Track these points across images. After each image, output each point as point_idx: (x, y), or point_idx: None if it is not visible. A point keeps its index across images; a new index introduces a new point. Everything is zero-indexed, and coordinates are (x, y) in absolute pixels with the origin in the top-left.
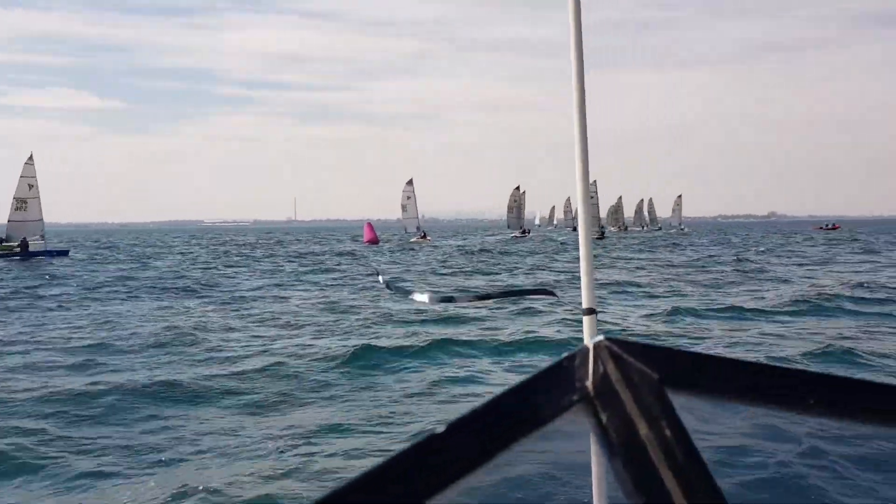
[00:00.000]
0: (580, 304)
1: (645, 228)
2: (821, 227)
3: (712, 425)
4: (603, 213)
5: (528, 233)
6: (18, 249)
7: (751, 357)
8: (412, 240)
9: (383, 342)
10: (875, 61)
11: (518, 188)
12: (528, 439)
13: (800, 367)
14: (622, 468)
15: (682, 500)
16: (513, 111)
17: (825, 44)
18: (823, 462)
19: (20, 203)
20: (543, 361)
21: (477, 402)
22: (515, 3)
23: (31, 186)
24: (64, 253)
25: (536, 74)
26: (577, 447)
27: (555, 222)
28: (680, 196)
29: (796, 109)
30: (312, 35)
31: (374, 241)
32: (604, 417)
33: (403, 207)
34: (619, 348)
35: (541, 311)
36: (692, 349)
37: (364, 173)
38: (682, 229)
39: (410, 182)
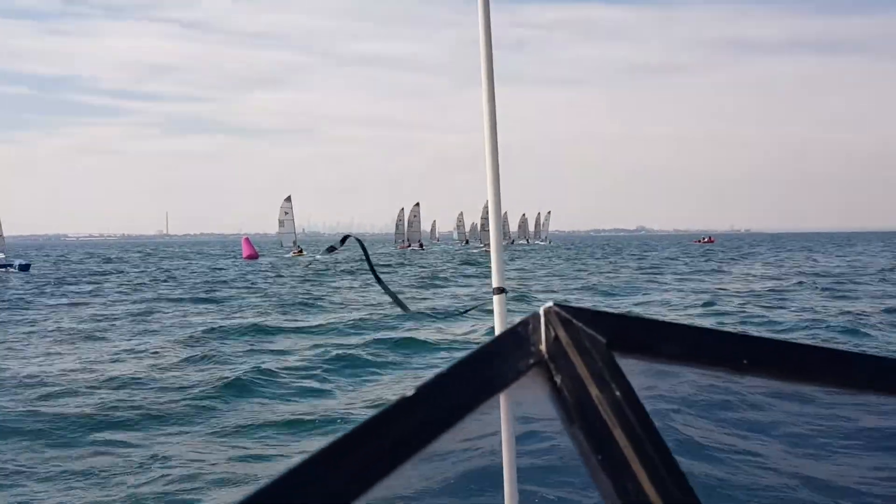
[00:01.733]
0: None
1: (529, 241)
2: (698, 241)
3: (660, 385)
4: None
5: (423, 246)
6: None
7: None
8: (289, 254)
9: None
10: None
11: (417, 204)
12: (491, 401)
13: (738, 331)
14: (577, 427)
15: (633, 455)
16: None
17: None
18: (759, 418)
19: None
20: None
21: (442, 367)
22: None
23: None
24: (24, 266)
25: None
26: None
27: (437, 237)
28: (549, 212)
29: (664, 128)
30: (184, 45)
31: (254, 256)
32: (558, 380)
33: (281, 223)
34: (568, 314)
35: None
36: (643, 315)
37: (239, 186)
38: (548, 243)
39: (289, 199)
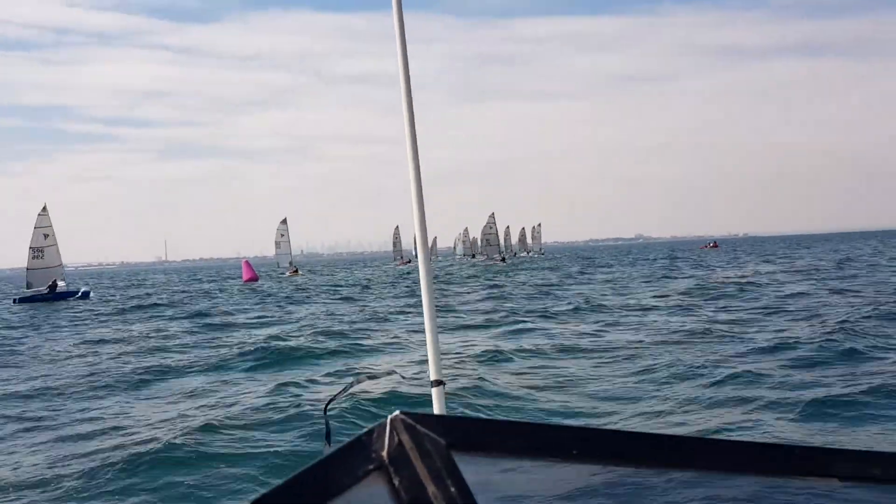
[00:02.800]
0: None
1: (531, 253)
2: (704, 246)
3: (498, 478)
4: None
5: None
6: (47, 291)
7: (530, 418)
8: (286, 274)
9: None
10: (723, 89)
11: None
12: None
13: (568, 423)
14: None
15: None
16: (385, 142)
17: (678, 74)
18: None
19: (37, 252)
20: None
21: (281, 479)
22: (382, 37)
23: (46, 236)
24: (85, 294)
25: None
26: None
27: (436, 253)
28: (539, 224)
29: (657, 136)
30: (176, 70)
31: (254, 278)
32: (396, 481)
33: (277, 244)
34: (413, 420)
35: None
36: (479, 416)
37: (236, 210)
38: (542, 254)
39: (284, 221)
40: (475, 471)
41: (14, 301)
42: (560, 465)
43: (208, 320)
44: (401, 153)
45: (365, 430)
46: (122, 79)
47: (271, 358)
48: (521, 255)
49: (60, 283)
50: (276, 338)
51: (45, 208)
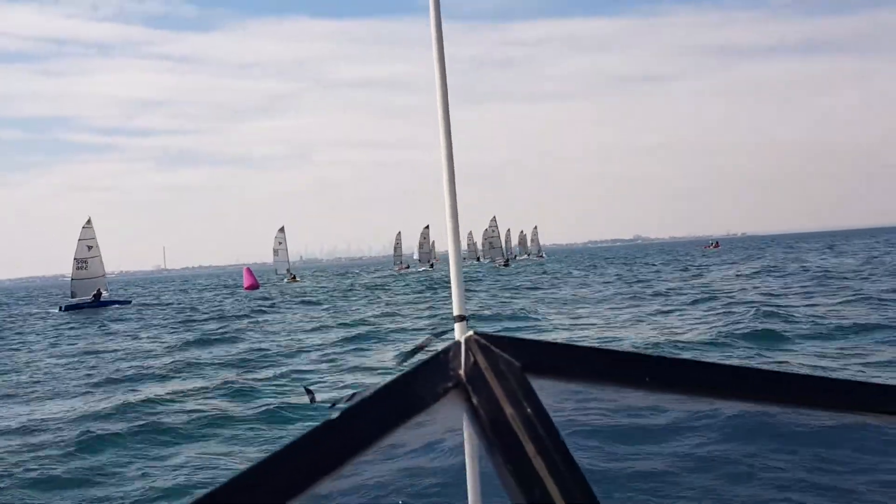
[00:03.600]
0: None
1: (530, 256)
2: (707, 246)
3: (568, 404)
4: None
5: (433, 265)
6: (91, 300)
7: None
8: (284, 281)
9: None
10: (722, 89)
11: (427, 227)
12: (412, 421)
13: (637, 351)
14: (491, 443)
15: (543, 467)
16: (383, 147)
17: (676, 74)
18: (663, 433)
19: (81, 263)
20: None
21: (365, 391)
22: (379, 41)
23: (90, 247)
24: (126, 302)
25: (404, 110)
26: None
27: (436, 257)
28: (535, 227)
29: (655, 136)
30: (174, 79)
31: (255, 286)
32: (475, 400)
33: (275, 252)
34: (487, 341)
35: None
36: (555, 340)
37: (235, 217)
38: (541, 256)
39: (282, 230)
40: (549, 393)
41: (60, 308)
42: (631, 392)
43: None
44: (399, 157)
45: (441, 348)
46: (121, 89)
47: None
48: (522, 257)
49: (104, 293)
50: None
51: (89, 221)
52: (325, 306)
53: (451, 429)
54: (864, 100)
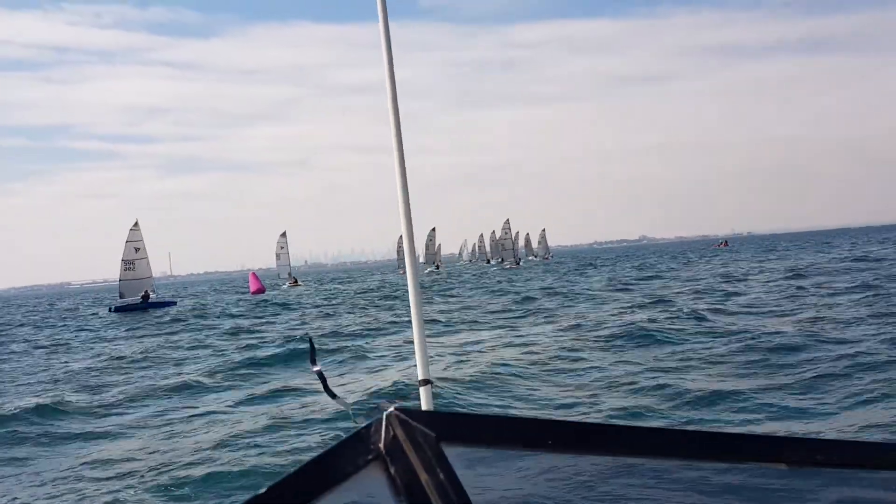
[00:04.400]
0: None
1: (537, 257)
2: (716, 245)
3: (479, 469)
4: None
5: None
6: (140, 301)
7: (515, 411)
8: (286, 286)
9: None
10: (722, 88)
11: (434, 229)
12: (336, 492)
13: (540, 417)
14: None
15: None
16: (384, 151)
17: (676, 74)
18: (563, 490)
19: (129, 264)
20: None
21: (293, 468)
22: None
23: (137, 249)
24: (172, 303)
25: (405, 114)
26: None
27: (465, 256)
28: (544, 229)
29: (657, 137)
30: (177, 86)
31: (261, 290)
32: (392, 469)
33: (278, 256)
34: (406, 415)
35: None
36: (465, 411)
37: (239, 222)
38: (549, 258)
39: (284, 234)
40: (462, 460)
41: (109, 310)
42: (536, 455)
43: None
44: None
45: (364, 424)
46: (124, 96)
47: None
48: (529, 258)
49: (151, 295)
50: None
51: (136, 224)
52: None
53: (372, 496)
54: (865, 97)
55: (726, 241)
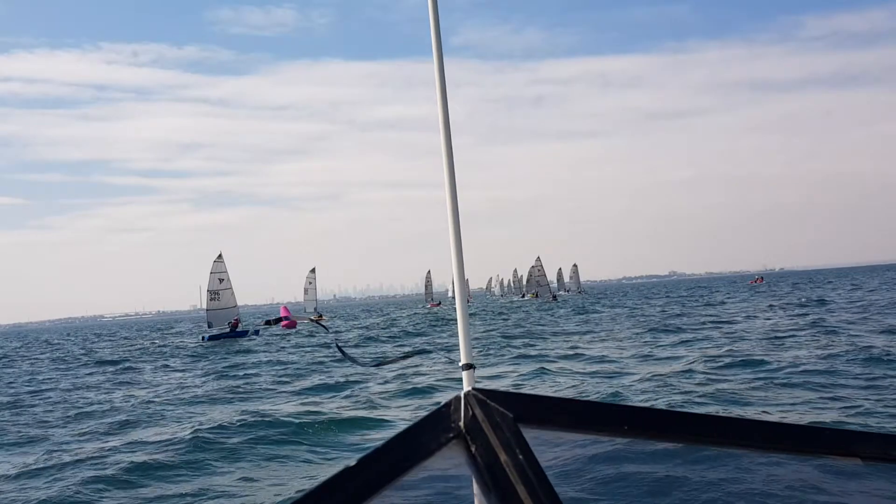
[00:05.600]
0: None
1: (570, 292)
2: (752, 281)
3: (557, 452)
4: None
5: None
6: (229, 330)
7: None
8: (308, 319)
9: None
10: (753, 123)
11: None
12: (418, 468)
13: (615, 402)
14: (488, 487)
15: None
16: (415, 186)
17: (707, 109)
18: (643, 478)
19: (213, 295)
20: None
21: (378, 443)
22: (411, 83)
23: (221, 280)
24: (256, 333)
25: (435, 149)
26: (459, 478)
27: (495, 289)
28: (575, 265)
29: (687, 172)
30: (211, 122)
31: (293, 325)
32: (473, 448)
33: (306, 291)
34: (484, 395)
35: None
36: (542, 393)
37: (270, 257)
38: (581, 292)
39: (313, 271)
40: (540, 441)
41: (203, 339)
42: (611, 439)
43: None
44: (430, 196)
45: (443, 403)
46: (158, 131)
47: None
48: (560, 293)
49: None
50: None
51: (220, 256)
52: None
53: (453, 475)
54: None
55: (761, 277)
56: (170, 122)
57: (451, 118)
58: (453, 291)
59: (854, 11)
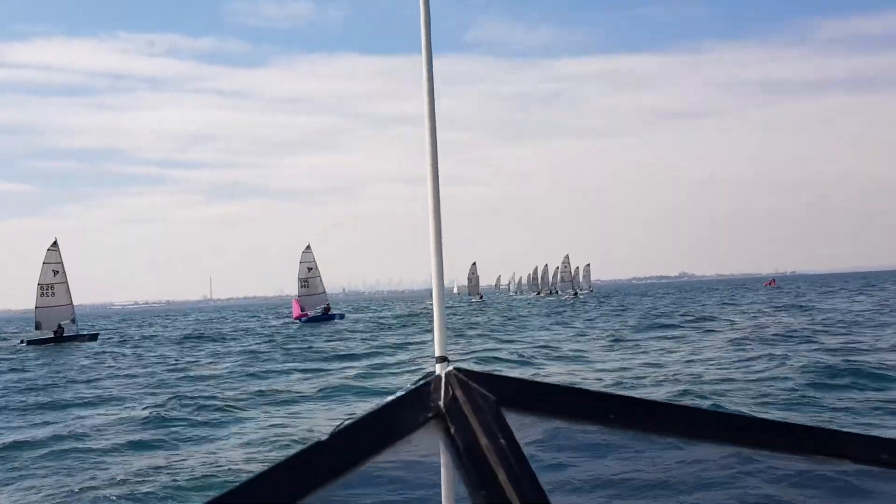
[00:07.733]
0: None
1: (582, 291)
2: (767, 283)
3: (540, 437)
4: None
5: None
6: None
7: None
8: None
9: None
10: (766, 125)
11: (474, 263)
12: (394, 446)
13: (604, 390)
14: (466, 470)
15: (514, 496)
16: (427, 181)
17: (721, 110)
18: (625, 465)
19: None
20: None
21: (353, 418)
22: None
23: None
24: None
25: (448, 145)
26: (430, 459)
27: (510, 287)
28: (588, 264)
29: (699, 173)
30: (224, 114)
31: (305, 315)
32: (452, 429)
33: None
34: (465, 376)
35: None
36: (527, 377)
37: (280, 248)
38: (591, 291)
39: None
40: (522, 425)
41: (287, 322)
42: (597, 428)
43: None
44: (443, 192)
45: (422, 381)
46: (172, 123)
47: None
48: (568, 291)
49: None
50: None
51: (308, 247)
52: None
53: (429, 455)
54: None
55: (774, 280)
56: (182, 112)
57: (461, 114)
58: (468, 287)
59: (871, 14)
